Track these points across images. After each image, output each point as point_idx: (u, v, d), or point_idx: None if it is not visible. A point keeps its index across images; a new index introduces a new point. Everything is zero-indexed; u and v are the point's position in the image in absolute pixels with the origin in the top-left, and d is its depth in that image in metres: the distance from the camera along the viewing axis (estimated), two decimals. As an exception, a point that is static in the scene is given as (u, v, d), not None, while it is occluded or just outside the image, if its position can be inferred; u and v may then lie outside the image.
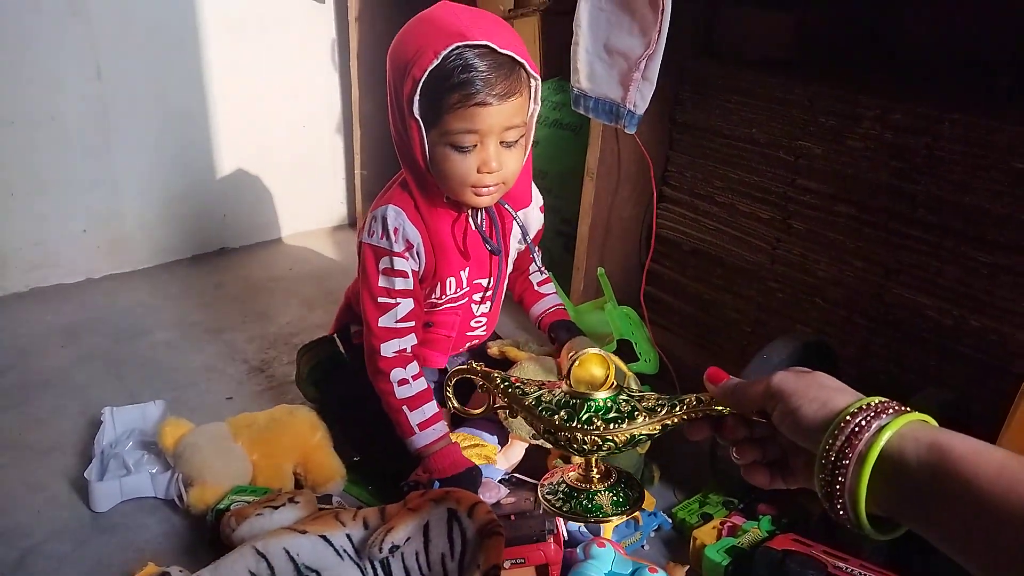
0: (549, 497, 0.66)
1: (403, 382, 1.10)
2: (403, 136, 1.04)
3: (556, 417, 0.61)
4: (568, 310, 1.30)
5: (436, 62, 0.94)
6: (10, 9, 1.58)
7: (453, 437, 1.21)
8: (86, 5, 1.66)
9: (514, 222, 1.15)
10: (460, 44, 0.94)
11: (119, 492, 1.13)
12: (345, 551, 0.89)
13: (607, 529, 1.04)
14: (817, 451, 0.49)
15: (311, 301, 1.79)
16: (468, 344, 1.27)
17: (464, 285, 1.16)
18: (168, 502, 1.13)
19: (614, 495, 0.65)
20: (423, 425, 1.10)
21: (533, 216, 1.23)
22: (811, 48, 1.40)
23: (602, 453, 0.62)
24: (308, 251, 2.09)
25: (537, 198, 1.23)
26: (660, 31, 1.14)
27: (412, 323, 1.11)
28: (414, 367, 1.11)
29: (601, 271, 1.33)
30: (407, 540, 0.90)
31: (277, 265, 1.99)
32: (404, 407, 1.10)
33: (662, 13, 1.12)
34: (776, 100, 1.27)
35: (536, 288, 1.30)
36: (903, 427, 0.47)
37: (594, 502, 0.64)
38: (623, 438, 0.59)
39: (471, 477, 1.08)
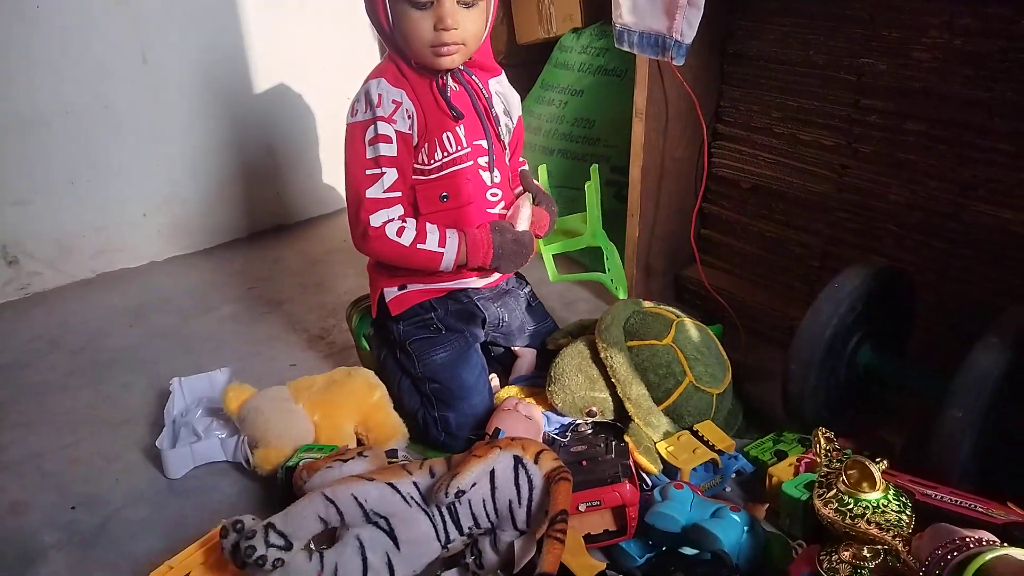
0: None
1: (400, 231, 1.10)
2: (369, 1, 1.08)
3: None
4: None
5: None
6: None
7: (504, 393, 1.19)
8: (128, -10, 1.67)
9: (490, 90, 1.19)
10: None
11: (191, 458, 1.16)
12: (412, 498, 0.88)
13: (684, 473, 1.01)
14: None
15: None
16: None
17: (464, 144, 1.15)
18: (239, 465, 1.15)
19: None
20: (441, 241, 1.12)
21: (511, 94, 1.24)
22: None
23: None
24: (361, 223, 2.10)
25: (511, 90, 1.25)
26: (706, -47, 1.09)
27: (399, 193, 1.11)
28: (398, 209, 1.11)
29: (594, 167, 1.26)
30: (473, 486, 0.88)
31: (331, 238, 1.99)
32: (417, 244, 1.11)
33: (706, -66, 1.07)
34: (834, 18, 1.20)
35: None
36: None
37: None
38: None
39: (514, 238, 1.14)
